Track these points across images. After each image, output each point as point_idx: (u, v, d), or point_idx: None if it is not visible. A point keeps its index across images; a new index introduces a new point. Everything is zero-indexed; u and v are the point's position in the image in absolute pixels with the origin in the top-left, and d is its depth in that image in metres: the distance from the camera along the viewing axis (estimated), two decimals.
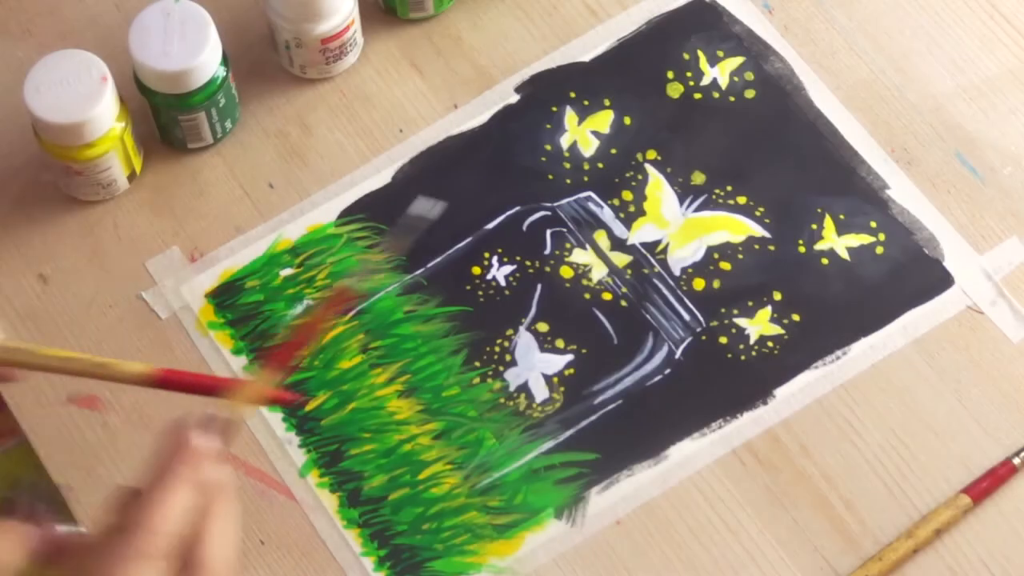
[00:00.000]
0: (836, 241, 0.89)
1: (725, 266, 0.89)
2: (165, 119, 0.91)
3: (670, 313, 0.88)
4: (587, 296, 0.88)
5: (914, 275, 0.88)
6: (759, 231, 0.90)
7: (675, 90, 0.94)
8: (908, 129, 0.92)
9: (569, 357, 0.87)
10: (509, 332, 0.88)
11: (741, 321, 0.87)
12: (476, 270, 0.89)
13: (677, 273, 0.89)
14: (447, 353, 0.87)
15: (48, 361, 0.73)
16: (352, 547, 0.83)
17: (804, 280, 0.88)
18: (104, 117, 0.88)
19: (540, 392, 0.86)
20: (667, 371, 0.86)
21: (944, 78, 0.93)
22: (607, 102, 0.93)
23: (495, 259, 0.89)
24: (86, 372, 0.73)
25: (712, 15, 0.95)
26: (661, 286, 0.88)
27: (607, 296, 0.88)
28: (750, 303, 0.88)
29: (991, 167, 0.91)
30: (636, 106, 0.93)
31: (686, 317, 0.87)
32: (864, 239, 0.89)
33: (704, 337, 0.87)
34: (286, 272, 0.90)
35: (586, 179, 0.91)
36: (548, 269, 0.89)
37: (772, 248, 0.89)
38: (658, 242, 0.90)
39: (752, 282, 0.88)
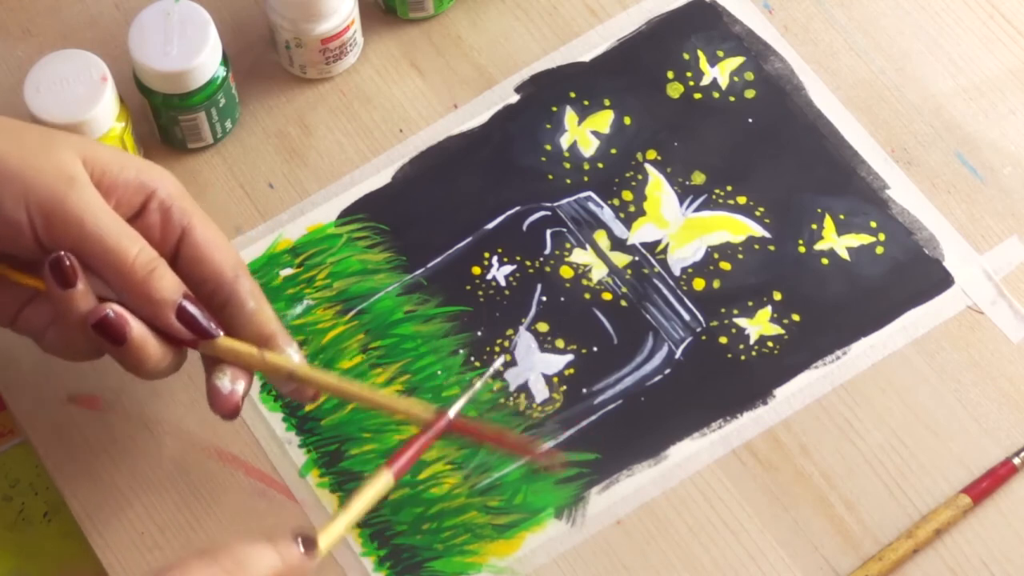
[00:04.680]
0: (836, 241, 0.89)
1: (725, 266, 0.89)
2: (165, 119, 0.91)
3: (670, 313, 0.88)
4: (587, 296, 0.88)
5: (914, 275, 0.88)
6: (759, 231, 0.90)
7: (675, 90, 0.94)
8: (908, 129, 0.92)
9: (569, 357, 0.87)
10: (509, 332, 0.88)
11: (741, 321, 0.87)
12: (476, 270, 0.89)
13: (677, 273, 0.89)
14: (447, 353, 0.87)
15: (340, 390, 0.80)
16: (352, 547, 0.83)
17: (804, 280, 0.88)
18: (104, 117, 0.88)
19: (540, 392, 0.86)
20: (667, 371, 0.86)
21: (944, 78, 0.93)
22: (607, 102, 0.93)
23: (495, 259, 0.89)
24: (370, 406, 0.82)
25: (712, 15, 0.95)
26: (661, 286, 0.88)
27: (607, 296, 0.88)
28: (750, 303, 0.88)
29: (991, 167, 0.91)
30: (636, 106, 0.93)
31: (686, 317, 0.87)
32: (864, 239, 0.89)
33: (704, 337, 0.87)
34: (286, 272, 0.90)
35: (586, 179, 0.91)
36: (548, 269, 0.89)
37: (772, 248, 0.89)
38: (658, 242, 0.90)
39: (752, 282, 0.88)
